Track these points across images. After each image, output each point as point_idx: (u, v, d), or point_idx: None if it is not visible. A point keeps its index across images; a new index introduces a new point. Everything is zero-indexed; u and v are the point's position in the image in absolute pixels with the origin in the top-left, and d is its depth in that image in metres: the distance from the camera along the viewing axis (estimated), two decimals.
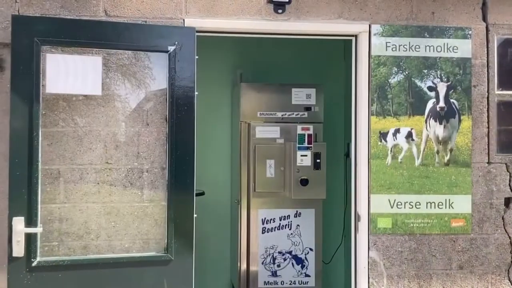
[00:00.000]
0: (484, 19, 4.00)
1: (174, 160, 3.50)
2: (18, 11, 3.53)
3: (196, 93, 3.56)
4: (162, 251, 3.52)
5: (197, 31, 3.63)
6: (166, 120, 3.55)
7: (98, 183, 3.50)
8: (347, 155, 4.99)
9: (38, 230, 3.24)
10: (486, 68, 3.98)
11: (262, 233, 5.04)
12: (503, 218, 3.97)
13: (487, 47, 3.99)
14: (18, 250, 3.19)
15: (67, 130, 3.45)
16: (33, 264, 3.25)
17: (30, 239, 3.23)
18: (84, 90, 3.44)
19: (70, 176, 3.45)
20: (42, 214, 3.31)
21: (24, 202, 3.22)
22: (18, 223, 3.19)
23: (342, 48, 5.33)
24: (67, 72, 3.38)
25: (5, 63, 3.47)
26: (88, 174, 3.48)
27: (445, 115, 3.95)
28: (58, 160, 3.43)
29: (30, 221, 3.22)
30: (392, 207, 3.88)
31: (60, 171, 3.43)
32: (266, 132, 5.04)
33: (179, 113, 3.51)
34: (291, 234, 5.06)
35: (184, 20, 3.70)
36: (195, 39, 3.58)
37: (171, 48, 3.50)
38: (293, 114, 5.05)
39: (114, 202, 3.52)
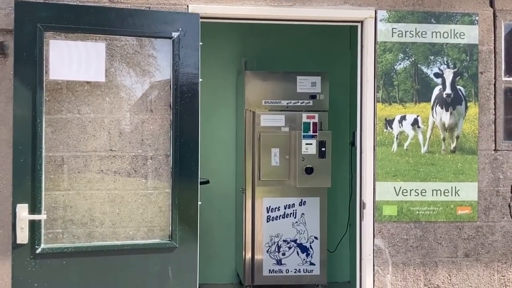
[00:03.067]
0: (491, 4, 3.95)
1: (178, 147, 3.48)
2: None
3: (200, 79, 3.54)
4: (166, 238, 3.51)
5: (201, 17, 3.60)
6: (170, 107, 3.52)
7: (102, 171, 3.49)
8: (353, 143, 4.96)
9: (42, 217, 3.23)
10: (493, 55, 3.94)
11: (267, 221, 5.03)
12: (509, 206, 3.94)
13: (494, 33, 3.95)
14: (22, 237, 3.19)
15: (71, 117, 3.44)
16: (37, 251, 3.24)
17: (34, 226, 3.23)
18: (87, 77, 3.42)
19: (74, 163, 3.44)
20: (46, 201, 3.30)
21: (28, 189, 3.21)
22: (22, 210, 3.18)
23: (348, 35, 5.29)
24: (71, 59, 3.35)
25: (8, 49, 3.45)
26: (92, 161, 3.47)
27: (451, 102, 3.91)
28: (62, 147, 3.42)
29: (34, 208, 3.21)
30: (397, 195, 3.86)
31: (64, 158, 3.43)
32: (271, 120, 5.02)
33: (183, 100, 3.49)
34: (296, 222, 5.05)
35: (188, 6, 3.67)
36: (199, 25, 3.55)
37: (175, 34, 3.47)
38: (298, 102, 5.03)
39: (118, 189, 3.51)
